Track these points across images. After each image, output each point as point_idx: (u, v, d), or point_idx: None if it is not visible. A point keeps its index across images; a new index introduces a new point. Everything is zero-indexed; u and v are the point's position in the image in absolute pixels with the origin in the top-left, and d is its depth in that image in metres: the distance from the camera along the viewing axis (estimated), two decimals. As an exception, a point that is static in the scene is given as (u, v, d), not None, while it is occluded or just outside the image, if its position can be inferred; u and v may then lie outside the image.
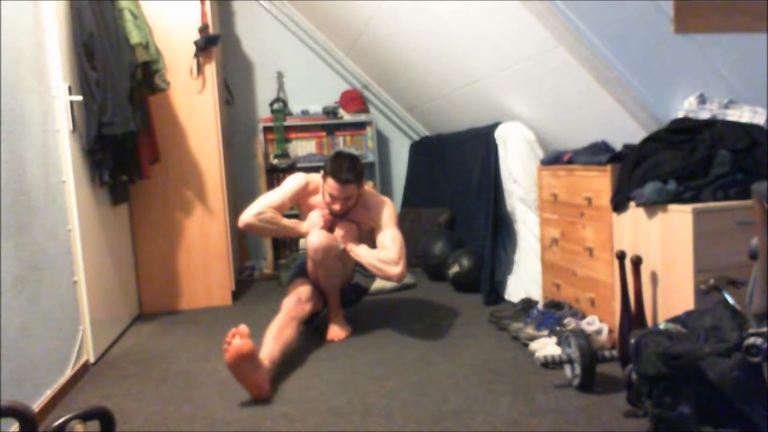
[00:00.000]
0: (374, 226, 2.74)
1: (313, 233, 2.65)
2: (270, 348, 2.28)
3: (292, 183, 2.80)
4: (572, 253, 2.69)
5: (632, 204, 2.23)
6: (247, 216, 2.64)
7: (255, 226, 2.66)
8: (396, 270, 2.59)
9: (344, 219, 2.73)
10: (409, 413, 1.95)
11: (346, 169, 2.61)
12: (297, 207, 2.91)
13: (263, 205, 2.68)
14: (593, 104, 2.54)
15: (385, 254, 2.62)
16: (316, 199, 2.80)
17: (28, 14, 2.30)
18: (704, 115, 2.34)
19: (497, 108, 3.33)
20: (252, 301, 3.65)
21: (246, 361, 2.05)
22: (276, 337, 2.36)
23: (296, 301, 2.60)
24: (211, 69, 3.46)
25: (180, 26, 3.40)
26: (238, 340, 2.05)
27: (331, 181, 2.62)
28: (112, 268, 2.99)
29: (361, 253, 2.67)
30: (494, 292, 3.26)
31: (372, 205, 2.77)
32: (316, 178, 2.83)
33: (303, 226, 2.75)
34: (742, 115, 2.32)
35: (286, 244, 4.55)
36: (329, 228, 2.72)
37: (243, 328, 2.08)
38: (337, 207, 2.66)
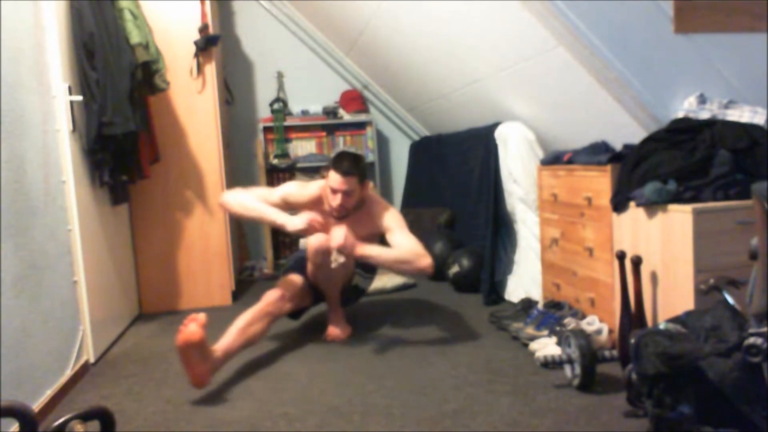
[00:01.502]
0: (381, 230, 2.68)
1: (314, 236, 2.62)
2: (230, 340, 2.30)
3: (289, 184, 2.79)
4: (572, 253, 2.69)
5: (632, 204, 2.23)
6: (226, 195, 2.64)
7: (229, 206, 2.65)
8: (428, 260, 2.52)
9: (338, 222, 2.61)
10: (409, 413, 1.95)
11: (348, 163, 2.59)
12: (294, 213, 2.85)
13: (250, 193, 2.66)
14: (593, 104, 2.54)
15: (409, 249, 2.55)
16: (315, 208, 2.68)
17: (28, 14, 2.30)
18: (704, 115, 2.34)
19: (497, 108, 3.33)
20: (252, 301, 3.59)
21: (193, 350, 2.09)
22: (241, 330, 2.35)
23: (278, 296, 2.57)
24: (211, 69, 3.46)
25: (180, 26, 3.40)
26: (192, 326, 2.08)
27: (332, 174, 2.59)
28: (112, 268, 2.99)
29: (379, 253, 2.55)
30: (494, 292, 3.26)
31: (376, 212, 2.72)
32: (318, 185, 2.76)
33: (285, 217, 2.55)
34: (742, 115, 2.32)
35: (286, 244, 4.55)
36: (319, 230, 2.56)
37: (201, 316, 2.11)
38: (338, 202, 2.60)
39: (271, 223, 2.65)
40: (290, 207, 2.75)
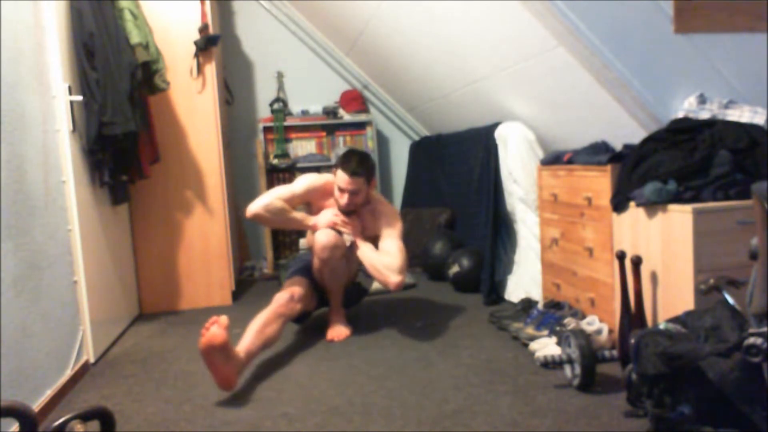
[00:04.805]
0: (379, 233, 2.73)
1: (322, 231, 2.65)
2: (250, 341, 2.30)
3: (305, 180, 2.82)
4: (572, 253, 2.69)
5: (632, 204, 2.23)
6: (254, 206, 2.66)
7: (261, 215, 2.67)
8: (396, 279, 2.58)
9: (351, 217, 2.75)
10: (409, 413, 1.95)
11: (356, 163, 2.64)
12: (308, 207, 2.87)
13: (272, 197, 2.69)
14: (593, 104, 2.54)
15: (388, 260, 2.62)
16: (330, 202, 2.79)
17: (28, 14, 2.30)
18: (704, 115, 2.34)
19: (497, 108, 3.33)
20: (252, 301, 3.64)
21: (218, 352, 2.07)
22: (258, 331, 2.36)
23: (288, 298, 2.58)
24: (211, 69, 3.46)
25: (180, 26, 3.40)
26: (215, 329, 2.07)
27: (340, 173, 2.65)
28: (112, 268, 2.99)
29: (365, 251, 2.67)
30: (494, 292, 3.26)
31: (381, 213, 2.77)
32: (331, 178, 2.83)
33: (311, 219, 2.76)
34: (742, 115, 2.32)
35: (286, 244, 4.55)
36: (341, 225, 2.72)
37: (223, 319, 2.10)
38: (345, 201, 2.65)
39: (301, 226, 2.79)
40: (309, 199, 2.82)
